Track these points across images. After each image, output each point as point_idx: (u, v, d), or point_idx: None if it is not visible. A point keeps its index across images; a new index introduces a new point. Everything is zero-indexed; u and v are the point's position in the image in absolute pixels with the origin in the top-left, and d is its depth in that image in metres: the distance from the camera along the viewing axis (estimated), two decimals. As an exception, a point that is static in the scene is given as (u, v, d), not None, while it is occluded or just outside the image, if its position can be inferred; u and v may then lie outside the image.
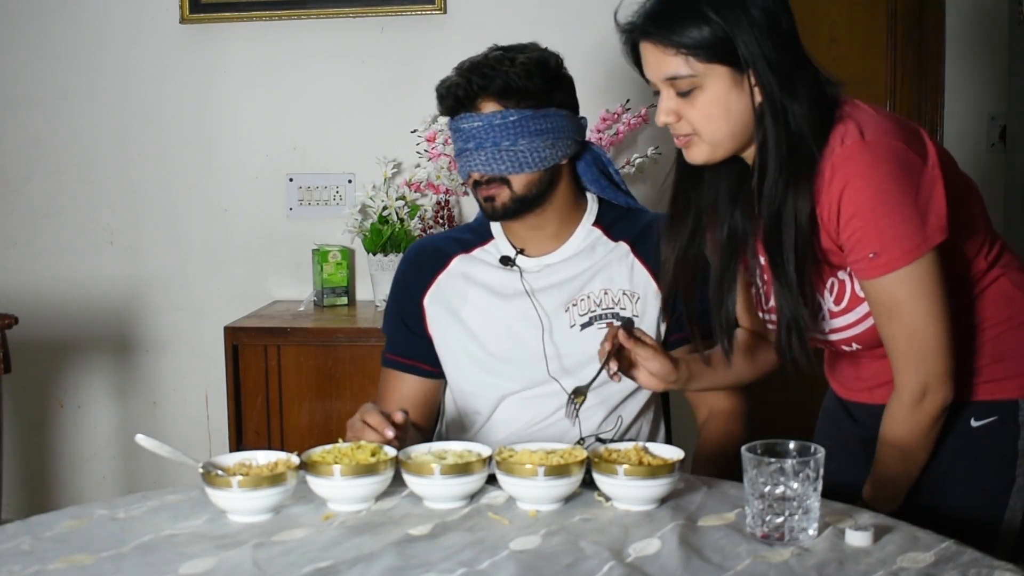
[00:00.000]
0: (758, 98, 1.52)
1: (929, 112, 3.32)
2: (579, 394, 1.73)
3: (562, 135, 1.89)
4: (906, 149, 1.49)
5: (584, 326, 1.91)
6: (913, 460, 1.59)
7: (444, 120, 2.89)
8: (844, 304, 1.59)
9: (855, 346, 1.62)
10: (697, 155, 1.59)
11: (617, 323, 1.70)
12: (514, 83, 1.85)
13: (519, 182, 1.87)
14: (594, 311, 1.92)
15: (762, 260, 1.65)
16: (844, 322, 1.61)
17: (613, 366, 1.67)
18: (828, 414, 1.80)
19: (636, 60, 1.61)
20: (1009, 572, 1.26)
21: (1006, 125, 3.33)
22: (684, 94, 1.54)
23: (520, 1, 3.02)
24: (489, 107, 1.86)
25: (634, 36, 1.58)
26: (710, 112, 1.54)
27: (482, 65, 1.88)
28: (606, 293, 1.92)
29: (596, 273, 1.93)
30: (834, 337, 1.62)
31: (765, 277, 1.65)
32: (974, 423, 1.61)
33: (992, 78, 3.34)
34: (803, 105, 1.52)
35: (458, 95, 1.87)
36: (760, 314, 1.70)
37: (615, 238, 1.96)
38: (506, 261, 1.96)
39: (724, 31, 1.49)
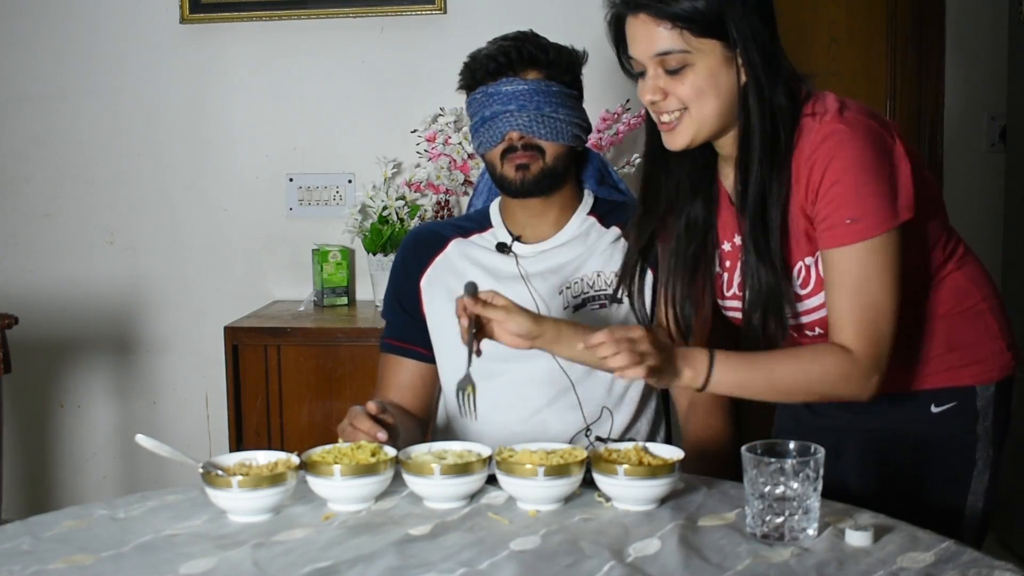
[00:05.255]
0: (743, 78, 1.55)
1: (929, 112, 3.32)
2: (467, 384, 1.64)
3: (584, 120, 1.97)
4: (880, 128, 1.54)
5: (577, 307, 1.94)
6: (778, 393, 1.58)
7: (444, 119, 2.91)
8: (810, 287, 1.61)
9: (817, 331, 1.64)
10: (681, 137, 1.59)
11: (465, 294, 1.65)
12: (564, 58, 1.94)
13: (552, 152, 1.92)
14: (587, 292, 1.95)
15: (726, 246, 1.67)
16: (810, 305, 1.62)
17: (476, 347, 1.63)
18: (786, 407, 1.82)
19: (617, 41, 1.62)
20: (1009, 572, 1.27)
21: (1006, 125, 3.32)
22: (673, 72, 1.55)
23: (520, 1, 3.03)
24: (533, 75, 1.91)
25: (624, 10, 1.58)
26: (701, 88, 1.55)
27: (528, 37, 1.94)
28: (599, 275, 1.95)
29: (589, 257, 1.97)
30: (803, 320, 1.64)
31: (727, 264, 1.67)
32: (934, 409, 1.64)
33: (992, 78, 3.34)
34: (783, 88, 1.56)
35: (510, 56, 1.90)
36: (720, 300, 1.72)
37: (608, 225, 2.00)
38: (502, 248, 1.98)
39: (718, 5, 1.52)
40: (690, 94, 1.55)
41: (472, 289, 1.65)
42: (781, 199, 1.56)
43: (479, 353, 1.64)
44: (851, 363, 1.52)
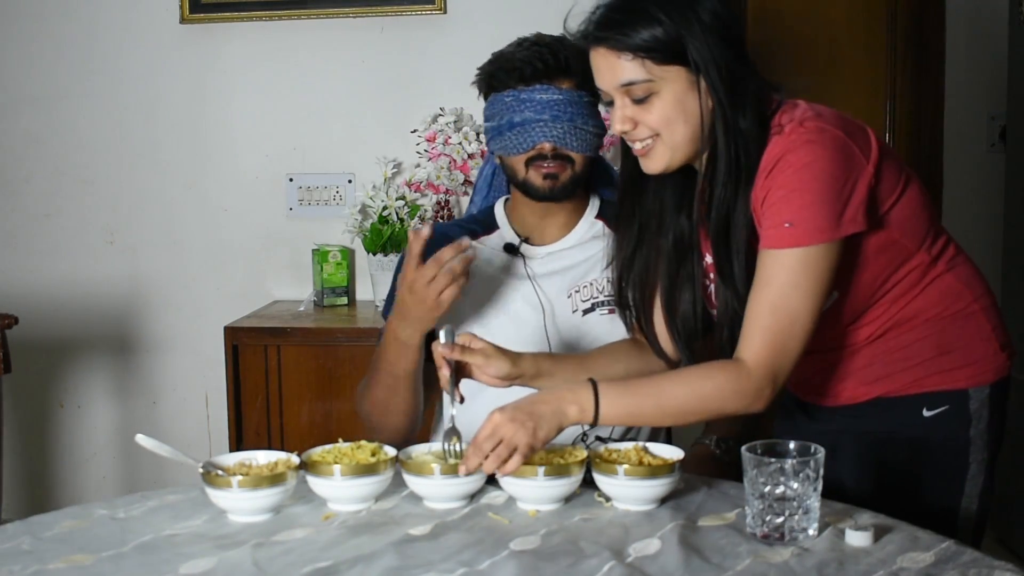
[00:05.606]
0: (708, 103, 1.53)
1: (929, 112, 3.32)
2: (452, 435, 1.59)
3: (603, 126, 1.93)
4: (845, 138, 1.51)
5: (586, 312, 1.94)
6: (668, 416, 1.55)
7: (444, 119, 2.91)
8: None
9: None
10: (656, 163, 1.59)
11: (440, 339, 1.63)
12: (590, 69, 1.87)
13: (580, 162, 1.90)
14: (596, 297, 1.94)
15: (708, 259, 1.67)
16: None
17: (457, 394, 1.62)
18: (785, 411, 1.82)
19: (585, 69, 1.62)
20: (1009, 572, 1.27)
21: (1006, 125, 3.33)
22: (640, 100, 1.55)
23: (520, 1, 3.03)
24: (567, 84, 1.87)
25: (585, 43, 1.58)
26: (668, 115, 1.54)
27: (562, 42, 1.88)
28: (608, 281, 1.94)
29: (599, 261, 1.96)
30: None
31: (712, 275, 1.67)
32: (926, 413, 1.63)
33: (992, 78, 3.34)
34: (750, 111, 1.54)
35: (547, 63, 1.86)
36: (711, 310, 1.71)
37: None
38: (510, 249, 1.97)
39: (676, 31, 1.51)
40: (659, 122, 1.55)
41: (449, 334, 1.64)
42: (746, 221, 1.55)
43: (462, 400, 1.63)
44: (745, 376, 1.50)
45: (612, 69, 1.55)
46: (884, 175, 1.55)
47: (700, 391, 1.52)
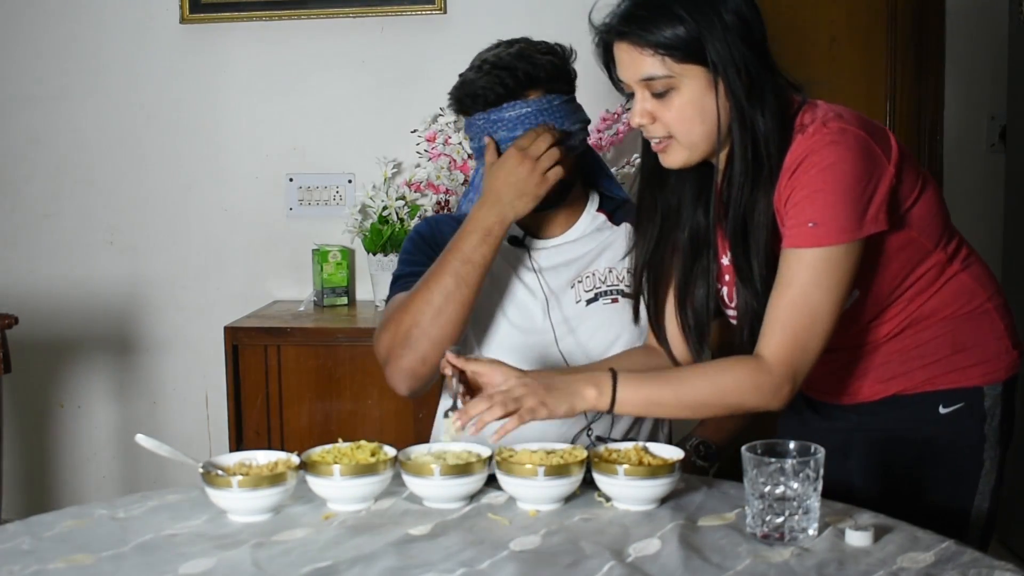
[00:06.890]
0: (726, 104, 1.54)
1: (929, 112, 3.32)
2: (455, 411, 1.60)
3: (583, 119, 1.94)
4: (867, 138, 1.52)
5: (589, 301, 1.95)
6: (687, 407, 1.56)
7: (444, 119, 2.91)
8: None
9: None
10: (674, 159, 1.60)
11: (448, 353, 1.64)
12: (560, 70, 1.90)
13: (565, 165, 1.89)
14: (599, 287, 1.96)
15: (724, 260, 1.67)
16: None
17: (463, 396, 1.61)
18: (790, 409, 1.81)
19: (607, 62, 1.63)
20: (1009, 572, 1.27)
21: (1006, 125, 3.33)
22: (659, 95, 1.56)
23: (520, 1, 3.03)
24: (534, 95, 1.88)
25: (608, 37, 1.59)
26: (685, 114, 1.55)
27: (522, 55, 1.89)
28: (610, 271, 1.96)
29: (601, 252, 1.98)
30: None
31: (727, 277, 1.67)
32: (942, 410, 1.64)
33: (992, 78, 3.34)
34: (769, 112, 1.54)
35: (508, 86, 1.86)
36: (725, 311, 1.72)
37: (618, 222, 2.01)
38: (515, 241, 1.99)
39: (697, 31, 1.51)
40: (676, 119, 1.56)
41: (455, 350, 1.66)
42: (766, 222, 1.55)
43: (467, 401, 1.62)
44: (764, 372, 1.51)
45: (633, 63, 1.56)
46: (904, 175, 1.56)
47: (719, 384, 1.53)
